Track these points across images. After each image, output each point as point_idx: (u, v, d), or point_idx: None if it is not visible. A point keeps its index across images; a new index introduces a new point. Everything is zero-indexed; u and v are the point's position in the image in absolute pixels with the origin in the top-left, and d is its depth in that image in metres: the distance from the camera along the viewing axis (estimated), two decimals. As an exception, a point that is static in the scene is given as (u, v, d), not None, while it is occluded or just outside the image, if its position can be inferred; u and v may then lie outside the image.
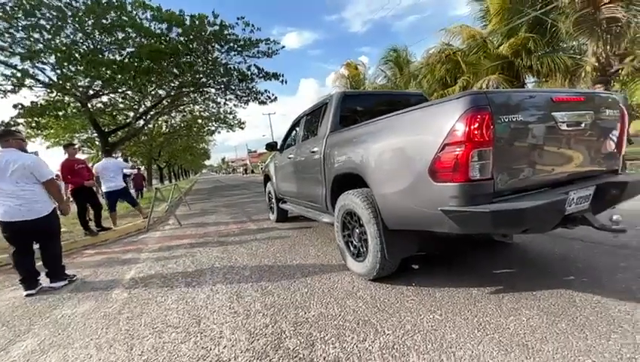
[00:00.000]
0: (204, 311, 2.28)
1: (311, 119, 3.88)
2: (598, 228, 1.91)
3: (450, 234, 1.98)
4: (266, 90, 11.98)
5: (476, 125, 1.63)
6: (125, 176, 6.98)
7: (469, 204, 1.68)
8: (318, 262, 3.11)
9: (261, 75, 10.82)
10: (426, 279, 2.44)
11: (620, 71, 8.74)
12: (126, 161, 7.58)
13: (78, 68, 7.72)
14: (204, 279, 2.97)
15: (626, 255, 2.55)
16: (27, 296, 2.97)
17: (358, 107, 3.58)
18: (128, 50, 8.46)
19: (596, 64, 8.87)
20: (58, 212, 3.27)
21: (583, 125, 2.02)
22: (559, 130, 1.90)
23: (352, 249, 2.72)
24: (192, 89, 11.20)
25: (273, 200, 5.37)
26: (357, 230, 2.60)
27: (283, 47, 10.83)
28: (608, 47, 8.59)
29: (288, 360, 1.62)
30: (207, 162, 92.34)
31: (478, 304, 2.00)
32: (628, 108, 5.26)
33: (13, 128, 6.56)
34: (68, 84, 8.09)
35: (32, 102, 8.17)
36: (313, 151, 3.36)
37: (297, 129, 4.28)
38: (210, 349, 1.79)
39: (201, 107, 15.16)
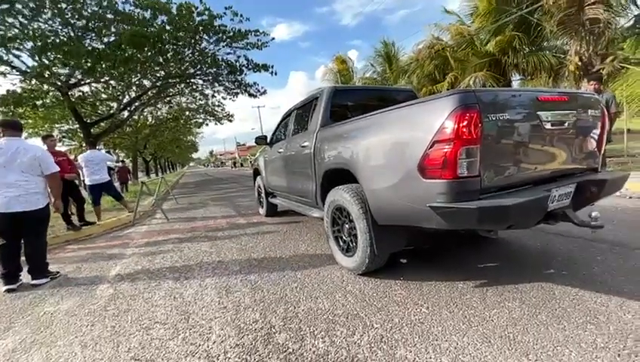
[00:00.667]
0: (193, 307, 2.26)
1: (301, 113, 3.86)
2: (578, 224, 2.00)
3: (439, 230, 2.02)
4: (255, 83, 11.79)
5: (465, 123, 1.66)
6: (110, 169, 6.81)
7: (456, 200, 1.72)
8: (307, 257, 3.12)
9: (250, 67, 10.64)
10: (414, 273, 2.50)
11: (601, 70, 9.01)
12: (108, 153, 7.36)
13: (57, 56, 7.39)
14: (193, 274, 2.94)
15: (602, 249, 2.66)
16: (7, 291, 2.87)
17: (349, 102, 3.60)
18: (109, 38, 8.14)
19: (579, 63, 9.12)
20: (51, 208, 3.20)
21: (566, 124, 2.08)
22: (543, 128, 1.96)
23: (341, 244, 2.74)
24: (178, 80, 10.92)
25: (263, 194, 5.34)
26: (346, 225, 2.62)
27: (273, 39, 10.68)
28: (591, 47, 8.84)
29: (278, 355, 1.63)
30: (194, 155, 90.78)
31: (464, 297, 2.06)
32: (617, 106, 5.39)
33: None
34: (46, 72, 7.73)
35: (7, 91, 7.80)
36: (303, 146, 3.35)
37: (288, 123, 4.24)
38: (199, 345, 1.79)
39: (188, 99, 14.83)
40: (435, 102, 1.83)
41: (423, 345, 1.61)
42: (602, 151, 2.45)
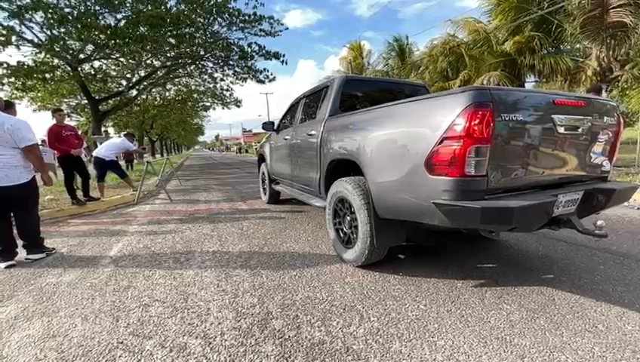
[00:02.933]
0: (192, 288, 2.29)
1: (310, 101, 3.81)
2: (582, 231, 1.96)
3: (440, 227, 2.00)
4: (265, 69, 11.67)
5: (477, 121, 1.62)
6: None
7: (461, 198, 1.69)
8: (308, 246, 3.13)
9: (261, 54, 10.52)
10: (413, 269, 2.49)
11: (619, 77, 8.77)
12: (132, 140, 7.35)
13: (70, 30, 7.34)
14: (193, 256, 2.97)
15: (605, 258, 2.63)
16: (7, 267, 2.81)
17: (360, 93, 3.55)
18: (124, 14, 8.06)
19: (597, 68, 8.88)
20: (40, 182, 3.10)
21: (579, 130, 2.03)
22: (556, 133, 1.92)
23: (342, 235, 2.75)
24: (188, 61, 10.84)
25: (266, 181, 5.35)
26: (348, 217, 2.62)
27: (286, 28, 10.51)
28: (611, 52, 8.59)
29: (274, 341, 1.65)
30: (200, 138, 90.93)
31: (462, 297, 2.05)
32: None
33: None
34: (57, 45, 7.70)
35: (18, 62, 7.79)
36: (310, 134, 3.32)
37: (296, 110, 4.20)
38: (197, 325, 1.81)
39: (197, 81, 14.74)
40: (447, 98, 1.79)
41: (419, 341, 1.61)
42: (613, 160, 2.39)
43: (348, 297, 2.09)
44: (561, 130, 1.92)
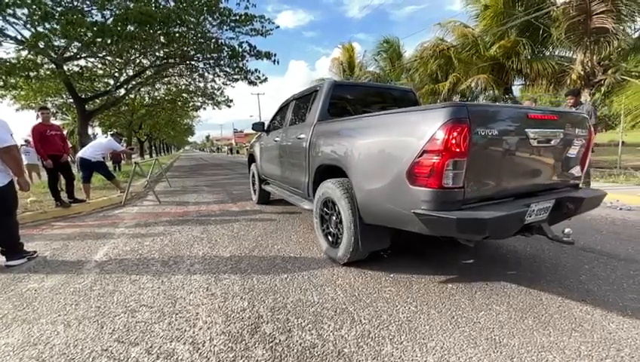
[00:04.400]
0: (181, 292, 2.24)
1: (300, 104, 3.81)
2: (551, 238, 2.08)
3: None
4: (256, 70, 11.57)
5: (454, 136, 1.69)
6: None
7: (438, 209, 1.77)
8: (299, 249, 3.11)
9: (253, 53, 10.43)
10: (404, 271, 2.50)
11: (602, 81, 9.04)
12: (119, 141, 7.18)
13: (54, 26, 7.13)
14: (182, 259, 2.91)
15: (590, 258, 2.70)
16: None
17: (348, 97, 3.57)
18: (111, 11, 7.87)
19: (581, 73, 9.14)
20: (16, 186, 2.93)
21: (552, 142, 2.14)
22: (530, 145, 2.01)
23: (329, 238, 2.79)
24: (178, 60, 10.67)
25: (256, 181, 5.33)
26: (334, 217, 2.67)
27: (277, 27, 10.46)
28: (595, 57, 8.85)
29: (264, 345, 1.62)
30: (190, 138, 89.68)
31: (452, 298, 2.07)
32: (597, 118, 5.60)
33: None
34: (41, 42, 7.47)
35: (0, 59, 7.53)
36: (300, 138, 3.33)
37: (286, 112, 4.19)
38: (185, 331, 1.77)
39: (187, 80, 14.54)
40: (429, 112, 1.86)
41: (410, 343, 1.61)
42: (585, 169, 2.52)
43: (339, 299, 2.08)
44: (534, 142, 2.02)
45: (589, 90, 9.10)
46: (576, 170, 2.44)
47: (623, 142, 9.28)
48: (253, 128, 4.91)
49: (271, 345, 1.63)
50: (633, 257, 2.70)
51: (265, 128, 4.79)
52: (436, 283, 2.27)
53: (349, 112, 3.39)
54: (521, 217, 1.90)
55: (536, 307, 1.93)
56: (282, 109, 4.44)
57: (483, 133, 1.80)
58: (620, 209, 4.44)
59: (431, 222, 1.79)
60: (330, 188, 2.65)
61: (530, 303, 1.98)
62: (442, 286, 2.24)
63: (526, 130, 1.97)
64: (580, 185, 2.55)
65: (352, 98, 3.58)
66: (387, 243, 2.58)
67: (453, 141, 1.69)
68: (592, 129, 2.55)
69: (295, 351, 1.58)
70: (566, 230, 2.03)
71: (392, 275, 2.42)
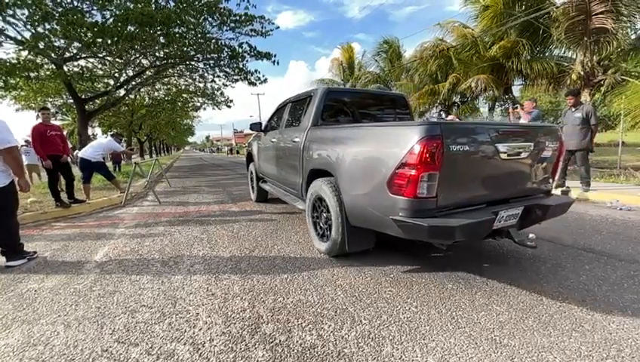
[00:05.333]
0: (181, 292, 2.24)
1: (296, 107, 3.93)
2: (517, 242, 2.28)
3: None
4: (256, 71, 11.57)
5: (429, 151, 1.87)
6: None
7: (413, 216, 1.94)
8: (299, 249, 3.11)
9: (253, 54, 10.43)
10: (404, 271, 2.50)
11: (602, 82, 9.05)
12: (119, 141, 7.18)
13: (55, 27, 7.13)
14: (182, 259, 2.91)
15: (590, 258, 2.70)
16: None
17: (341, 103, 3.70)
18: (111, 12, 7.87)
19: (581, 73, 9.14)
20: (17, 187, 2.92)
21: (522, 155, 2.30)
22: (500, 158, 2.18)
23: (318, 229, 3.00)
24: (177, 61, 10.67)
25: (254, 179, 5.49)
26: (324, 214, 2.84)
27: (277, 27, 10.46)
28: (594, 57, 8.85)
29: (264, 346, 1.62)
30: (190, 139, 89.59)
31: (452, 298, 2.07)
32: (597, 118, 5.68)
33: None
34: (41, 43, 7.47)
35: (-1, 59, 7.53)
36: (295, 141, 3.45)
37: (282, 113, 4.30)
38: (185, 331, 1.77)
39: (186, 81, 14.53)
40: (408, 128, 2.04)
41: (410, 343, 1.61)
42: (556, 176, 2.69)
43: (339, 300, 2.07)
44: (505, 156, 2.19)
45: (588, 90, 9.10)
46: (547, 179, 2.62)
47: (622, 142, 9.28)
48: (250, 128, 5.05)
49: (271, 345, 1.63)
50: (634, 257, 2.70)
51: (262, 128, 4.90)
52: (436, 284, 2.27)
53: (342, 116, 3.60)
54: (489, 224, 2.07)
55: (536, 307, 1.93)
56: (279, 111, 4.53)
57: (455, 149, 1.97)
58: (620, 209, 4.44)
59: (406, 227, 1.96)
60: (320, 187, 2.80)
61: (531, 303, 1.98)
62: (442, 286, 2.24)
63: (496, 144, 2.13)
64: (565, 188, 2.71)
65: (345, 103, 3.71)
66: (372, 244, 2.73)
67: (428, 155, 1.87)
68: (562, 140, 2.67)
69: (295, 351, 1.57)
70: (530, 235, 2.22)
71: (392, 275, 2.42)
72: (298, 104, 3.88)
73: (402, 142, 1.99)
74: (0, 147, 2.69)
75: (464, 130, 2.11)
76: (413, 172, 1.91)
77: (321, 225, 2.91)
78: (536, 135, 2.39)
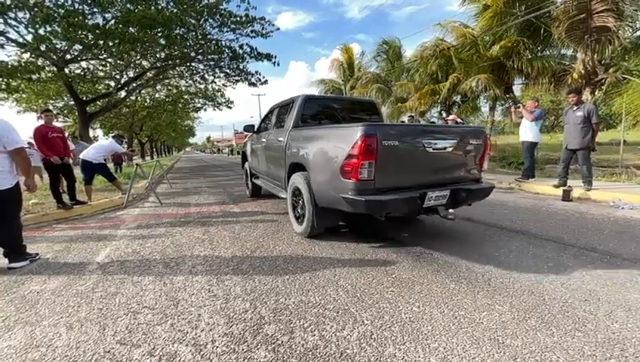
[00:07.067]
0: (183, 293, 2.24)
1: (282, 111, 4.47)
2: (442, 216, 2.90)
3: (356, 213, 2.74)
4: (256, 72, 11.59)
5: (367, 145, 2.48)
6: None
7: (357, 194, 2.56)
8: (301, 249, 3.11)
9: (253, 55, 10.46)
10: (406, 271, 2.50)
11: (603, 80, 9.02)
12: (121, 143, 7.19)
13: (56, 29, 7.15)
14: (184, 260, 2.91)
15: (593, 258, 2.69)
16: None
17: (319, 108, 4.29)
18: (112, 14, 7.89)
19: (582, 72, 9.12)
20: (23, 187, 2.95)
21: (447, 149, 2.88)
22: (427, 152, 2.76)
23: (296, 213, 3.60)
24: (178, 62, 10.70)
25: (249, 175, 6.11)
26: (300, 201, 3.39)
27: (278, 28, 10.49)
28: (596, 56, 8.83)
29: (266, 346, 1.62)
30: (191, 140, 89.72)
31: (455, 298, 2.06)
32: (598, 117, 5.69)
33: None
34: (43, 45, 7.50)
35: (0, 62, 7.56)
36: (279, 141, 4.01)
37: (271, 117, 4.89)
38: (187, 332, 1.77)
39: (187, 82, 14.57)
40: (353, 129, 2.59)
41: (413, 343, 1.61)
42: (483, 167, 3.28)
43: (341, 300, 2.07)
44: (430, 150, 2.77)
45: (590, 88, 9.08)
46: (475, 169, 3.22)
47: (624, 141, 9.25)
48: (244, 130, 5.57)
49: (273, 346, 1.62)
50: (636, 256, 2.69)
51: (255, 130, 5.43)
52: (438, 284, 2.27)
53: (323, 119, 4.23)
54: (414, 201, 2.64)
55: (539, 307, 1.92)
56: (269, 114, 5.09)
57: (387, 144, 2.56)
58: (622, 208, 4.42)
59: (351, 202, 2.57)
60: (297, 179, 3.39)
61: (533, 303, 1.97)
62: (445, 287, 2.23)
63: (422, 140, 2.72)
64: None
65: (322, 109, 4.31)
66: (337, 222, 3.57)
67: (366, 148, 2.47)
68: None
69: (297, 352, 1.57)
70: (450, 210, 2.90)
71: (394, 275, 2.42)
72: (283, 108, 4.44)
73: (349, 139, 2.57)
74: (10, 148, 2.72)
75: (395, 130, 2.74)
76: (355, 160, 2.51)
77: (299, 210, 3.49)
78: (457, 135, 2.94)
